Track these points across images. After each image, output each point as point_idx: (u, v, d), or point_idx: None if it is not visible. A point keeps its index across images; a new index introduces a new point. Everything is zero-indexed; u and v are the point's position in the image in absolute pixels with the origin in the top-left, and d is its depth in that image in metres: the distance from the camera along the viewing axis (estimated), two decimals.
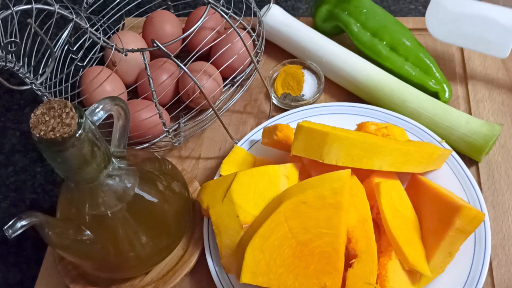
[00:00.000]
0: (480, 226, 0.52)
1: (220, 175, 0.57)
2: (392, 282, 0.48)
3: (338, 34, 0.71)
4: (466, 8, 0.64)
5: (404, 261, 0.49)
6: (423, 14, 0.77)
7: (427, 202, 0.52)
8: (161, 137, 0.63)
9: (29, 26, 0.49)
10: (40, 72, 0.57)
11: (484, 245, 0.52)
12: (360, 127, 0.58)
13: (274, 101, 0.67)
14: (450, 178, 0.57)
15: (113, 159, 0.45)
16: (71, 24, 0.52)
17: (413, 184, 0.55)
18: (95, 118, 0.42)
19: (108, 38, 0.64)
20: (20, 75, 0.52)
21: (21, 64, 0.50)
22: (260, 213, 0.51)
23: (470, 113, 0.65)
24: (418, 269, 0.48)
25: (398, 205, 0.52)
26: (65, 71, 0.63)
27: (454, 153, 0.58)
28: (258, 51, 0.66)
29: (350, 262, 0.48)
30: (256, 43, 0.66)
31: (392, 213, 0.51)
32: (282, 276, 0.47)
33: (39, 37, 0.52)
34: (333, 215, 0.48)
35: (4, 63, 0.48)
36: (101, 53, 0.70)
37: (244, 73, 0.68)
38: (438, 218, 0.50)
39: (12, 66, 0.49)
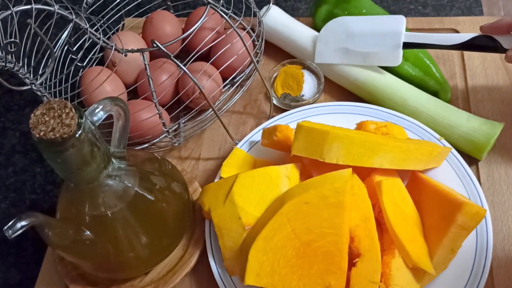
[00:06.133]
0: (481, 222, 0.52)
1: (221, 177, 0.57)
2: (396, 280, 0.48)
3: None
4: (351, 27, 0.65)
5: (408, 259, 0.49)
6: (423, 14, 0.77)
7: (428, 200, 0.52)
8: (161, 137, 0.63)
9: (29, 27, 0.49)
10: (40, 72, 0.57)
11: (486, 241, 0.52)
12: (360, 126, 0.58)
13: (274, 101, 0.67)
14: (450, 175, 0.57)
15: (113, 160, 0.45)
16: (71, 25, 0.52)
17: (414, 182, 0.55)
18: (95, 118, 0.42)
19: (108, 39, 0.64)
20: (20, 75, 0.52)
21: (21, 64, 0.50)
22: (263, 215, 0.51)
23: (470, 113, 0.64)
24: (421, 266, 0.48)
25: (400, 203, 0.52)
26: (65, 72, 0.63)
27: (453, 150, 0.58)
28: (258, 51, 0.66)
29: (353, 261, 0.48)
30: (256, 43, 0.66)
31: (394, 211, 0.51)
32: (286, 277, 0.47)
33: (39, 38, 0.52)
34: (336, 215, 0.48)
35: (4, 64, 0.48)
36: (101, 54, 0.70)
37: (244, 73, 0.68)
38: (439, 215, 0.50)
39: (12, 66, 0.49)
